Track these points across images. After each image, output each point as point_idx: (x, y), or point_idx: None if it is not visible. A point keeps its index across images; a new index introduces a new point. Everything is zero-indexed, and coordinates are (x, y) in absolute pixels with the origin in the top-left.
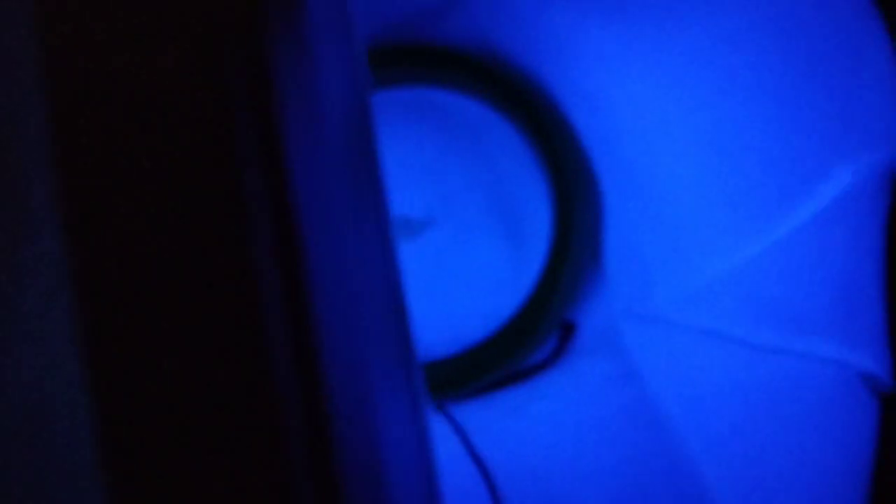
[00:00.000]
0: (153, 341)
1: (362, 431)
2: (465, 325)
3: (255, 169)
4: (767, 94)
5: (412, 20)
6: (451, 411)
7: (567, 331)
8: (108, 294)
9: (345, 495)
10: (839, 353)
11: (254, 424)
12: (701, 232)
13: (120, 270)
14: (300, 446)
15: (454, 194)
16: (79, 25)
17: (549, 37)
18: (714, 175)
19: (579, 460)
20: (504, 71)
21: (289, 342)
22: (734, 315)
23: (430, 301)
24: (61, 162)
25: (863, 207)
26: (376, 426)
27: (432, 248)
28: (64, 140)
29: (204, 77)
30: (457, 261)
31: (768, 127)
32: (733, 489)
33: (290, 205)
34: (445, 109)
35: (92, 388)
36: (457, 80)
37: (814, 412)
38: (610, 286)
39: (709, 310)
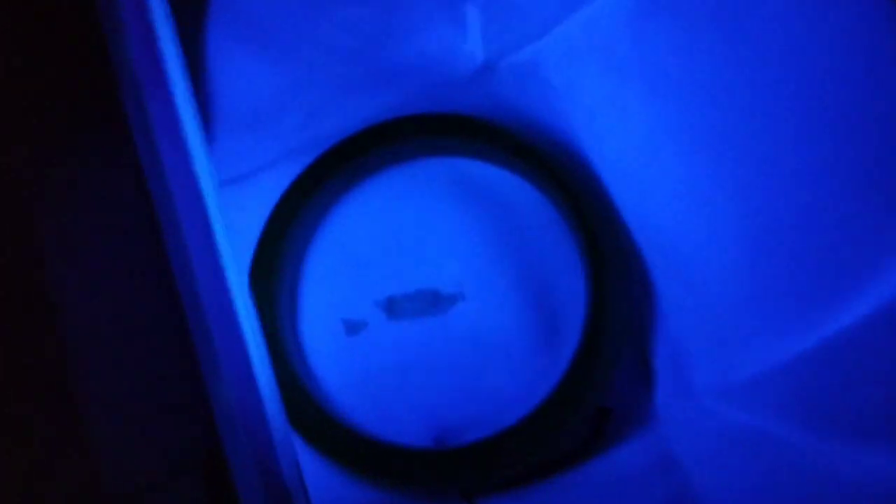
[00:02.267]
0: None
1: None
2: (494, 408)
3: None
4: (810, 183)
5: (440, 90)
6: (479, 502)
7: (603, 416)
8: None
9: None
10: (890, 461)
11: None
12: (746, 324)
13: None
14: None
15: (484, 268)
16: None
17: (583, 106)
18: (758, 267)
19: None
20: (536, 141)
21: None
22: (778, 411)
23: (458, 381)
24: None
25: None
26: None
27: (462, 325)
28: None
29: None
30: (487, 339)
31: (814, 218)
32: None
33: None
34: (476, 180)
35: None
36: (487, 151)
37: None
38: (649, 371)
39: (751, 404)
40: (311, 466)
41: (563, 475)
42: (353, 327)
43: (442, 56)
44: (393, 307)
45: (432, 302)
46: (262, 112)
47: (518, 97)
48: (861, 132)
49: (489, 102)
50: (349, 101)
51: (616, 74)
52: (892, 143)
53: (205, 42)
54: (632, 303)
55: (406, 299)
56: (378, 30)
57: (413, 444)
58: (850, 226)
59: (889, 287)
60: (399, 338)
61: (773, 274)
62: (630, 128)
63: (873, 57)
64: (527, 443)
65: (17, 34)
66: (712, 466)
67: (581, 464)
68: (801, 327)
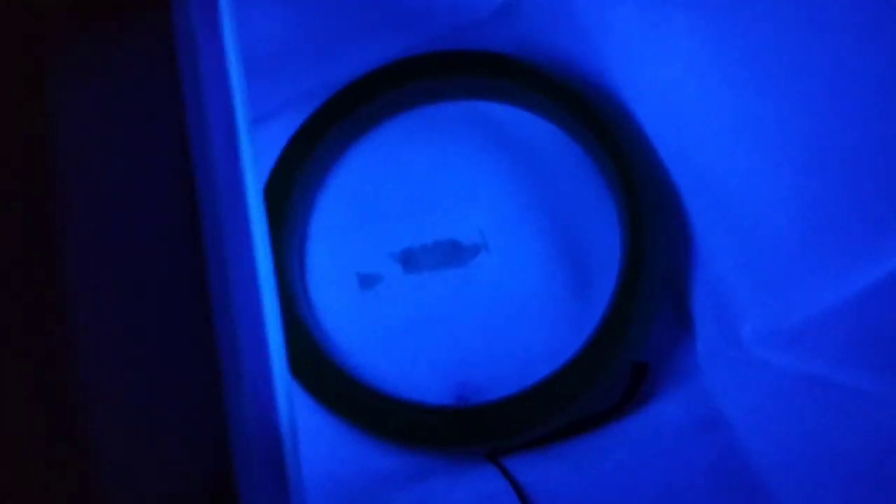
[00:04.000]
0: None
1: None
2: (522, 364)
3: None
4: (868, 111)
5: (462, 30)
6: (506, 464)
7: (640, 372)
8: None
9: None
10: None
11: None
12: (798, 265)
13: None
14: None
15: (509, 217)
16: None
17: (616, 40)
18: (812, 203)
19: None
20: (563, 78)
21: None
22: (839, 356)
23: (481, 336)
24: None
25: None
26: None
27: (484, 277)
28: None
29: None
30: (512, 291)
31: (873, 147)
32: None
33: None
34: (499, 123)
35: None
36: (511, 91)
37: None
38: (689, 321)
39: (805, 350)
40: (328, 429)
41: (597, 434)
42: (367, 281)
43: None
44: (410, 259)
45: (452, 253)
46: (271, 55)
47: (544, 34)
48: None
49: (513, 41)
50: (363, 45)
51: (655, 4)
52: None
53: None
54: (670, 249)
55: (424, 251)
56: None
57: (434, 402)
58: None
59: None
60: (417, 292)
61: (828, 209)
62: (671, 60)
63: None
64: (555, 401)
65: None
66: (762, 421)
67: (616, 422)
68: (861, 263)
